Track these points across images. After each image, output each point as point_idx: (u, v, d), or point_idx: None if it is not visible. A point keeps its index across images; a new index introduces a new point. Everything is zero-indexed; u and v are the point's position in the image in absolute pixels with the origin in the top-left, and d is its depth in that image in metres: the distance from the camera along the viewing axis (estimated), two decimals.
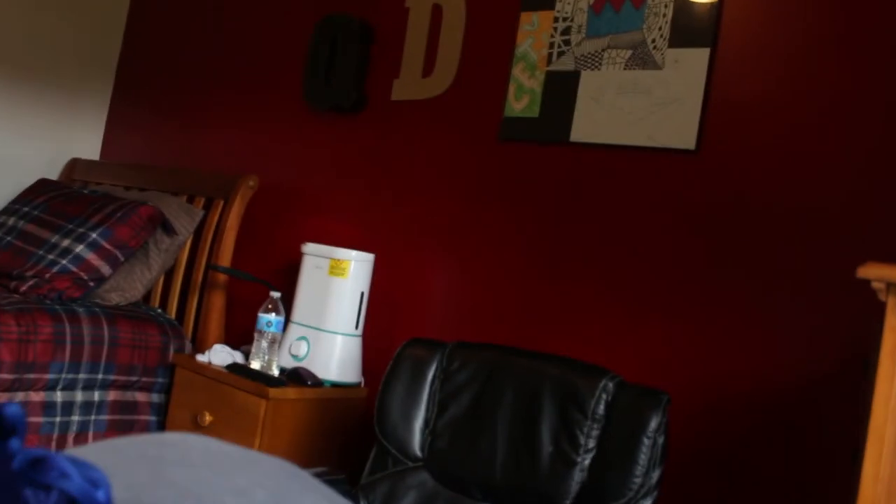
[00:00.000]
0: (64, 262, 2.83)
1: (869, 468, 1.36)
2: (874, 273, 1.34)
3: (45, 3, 3.69)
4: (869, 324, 1.41)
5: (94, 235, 2.90)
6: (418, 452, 1.91)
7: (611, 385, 1.28)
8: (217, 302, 3.05)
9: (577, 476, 1.25)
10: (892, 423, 1.35)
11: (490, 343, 1.68)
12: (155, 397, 2.82)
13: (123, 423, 2.73)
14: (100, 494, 0.48)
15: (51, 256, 2.85)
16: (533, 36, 2.54)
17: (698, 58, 2.22)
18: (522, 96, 2.54)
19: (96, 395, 2.66)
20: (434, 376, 1.89)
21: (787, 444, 1.98)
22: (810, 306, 2.00)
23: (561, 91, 2.46)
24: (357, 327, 2.62)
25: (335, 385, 2.56)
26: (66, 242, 2.89)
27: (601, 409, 1.26)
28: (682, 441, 2.02)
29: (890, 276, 1.33)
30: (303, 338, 2.62)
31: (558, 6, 2.50)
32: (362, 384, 2.66)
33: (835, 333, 1.95)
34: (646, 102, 2.29)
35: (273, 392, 2.39)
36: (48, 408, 2.53)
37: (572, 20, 2.47)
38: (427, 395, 1.88)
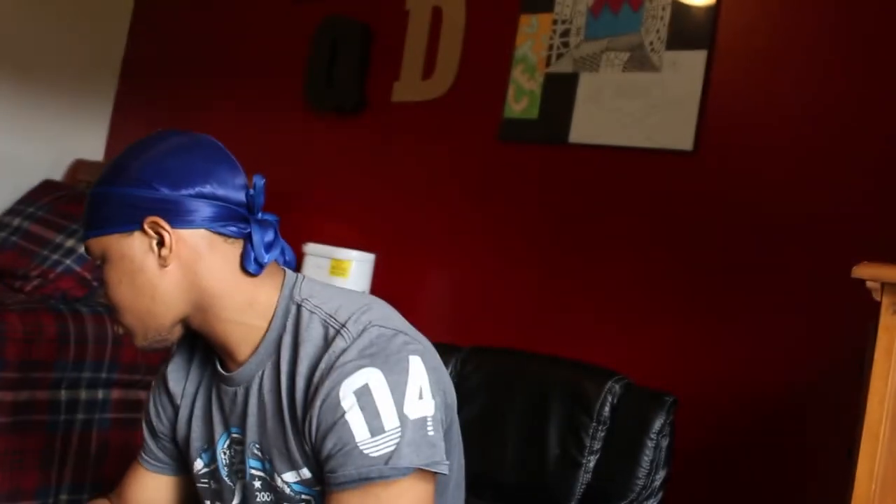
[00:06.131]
0: (68, 262, 2.84)
1: (864, 466, 1.37)
2: (868, 273, 1.37)
3: (49, 3, 3.69)
4: (867, 323, 1.44)
5: None
6: None
7: (616, 387, 1.30)
8: None
9: (583, 477, 1.28)
10: (886, 421, 1.37)
11: (503, 347, 1.70)
12: None
13: (127, 421, 2.75)
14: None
15: (55, 256, 2.87)
16: (532, 38, 2.57)
17: (695, 60, 2.24)
18: (522, 98, 2.56)
19: (100, 394, 2.68)
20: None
21: (793, 446, 1.98)
22: (811, 306, 2.00)
23: (560, 93, 2.48)
24: None
25: None
26: (69, 242, 2.91)
27: (606, 411, 1.28)
28: (688, 443, 2.03)
29: (884, 275, 1.36)
30: None
31: (557, 9, 2.53)
32: None
33: (837, 333, 1.94)
34: (644, 104, 2.32)
35: None
36: (52, 406, 2.55)
37: (571, 22, 2.49)
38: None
